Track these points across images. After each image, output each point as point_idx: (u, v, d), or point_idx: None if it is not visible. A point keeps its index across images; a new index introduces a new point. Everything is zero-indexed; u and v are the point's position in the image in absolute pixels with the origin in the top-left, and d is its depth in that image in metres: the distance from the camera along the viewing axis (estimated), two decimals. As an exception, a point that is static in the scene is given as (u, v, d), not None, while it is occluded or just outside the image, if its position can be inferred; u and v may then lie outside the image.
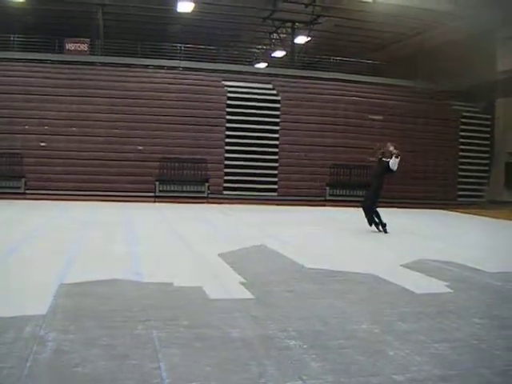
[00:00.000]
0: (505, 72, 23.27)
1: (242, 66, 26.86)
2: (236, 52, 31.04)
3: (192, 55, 26.11)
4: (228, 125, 21.94)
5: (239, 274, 7.10)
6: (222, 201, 20.82)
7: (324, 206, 21.18)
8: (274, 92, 23.28)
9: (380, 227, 12.47)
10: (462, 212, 20.32)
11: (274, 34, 29.31)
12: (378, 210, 12.59)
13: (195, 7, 24.06)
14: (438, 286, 6.92)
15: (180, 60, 25.72)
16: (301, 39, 28.74)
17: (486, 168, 25.08)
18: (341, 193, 22.45)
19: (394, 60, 29.78)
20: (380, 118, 23.65)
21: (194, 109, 21.66)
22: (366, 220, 12.61)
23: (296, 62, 28.36)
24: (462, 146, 24.67)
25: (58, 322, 4.75)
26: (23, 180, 19.54)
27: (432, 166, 23.73)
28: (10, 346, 4.07)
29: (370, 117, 23.55)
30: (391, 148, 12.47)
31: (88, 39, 24.55)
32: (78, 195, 19.19)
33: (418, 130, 23.83)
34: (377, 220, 12.50)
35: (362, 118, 23.47)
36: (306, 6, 25.14)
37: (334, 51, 29.42)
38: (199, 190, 21.26)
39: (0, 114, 19.80)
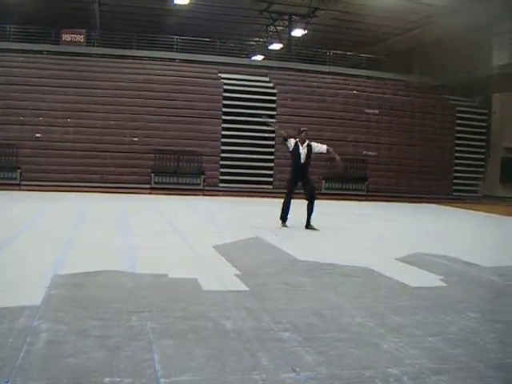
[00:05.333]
0: (501, 66, 23.30)
1: (238, 59, 26.80)
2: (232, 44, 30.98)
3: (188, 47, 26.06)
4: (224, 117, 21.91)
5: (234, 266, 7.09)
6: (217, 193, 20.82)
7: (319, 199, 21.16)
8: (271, 85, 23.24)
9: (285, 221, 11.44)
10: (456, 207, 20.36)
11: (271, 27, 29.25)
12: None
13: (192, -1, 24.01)
14: (432, 280, 6.92)
15: (176, 52, 25.67)
16: (298, 32, 28.74)
17: (482, 163, 25.14)
18: (336, 186, 22.49)
19: (390, 54, 29.80)
20: (376, 111, 23.66)
21: (190, 101, 21.61)
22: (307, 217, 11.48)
23: (293, 55, 28.34)
24: (457, 141, 24.71)
25: (52, 313, 4.73)
26: (18, 171, 19.48)
27: (428, 160, 23.76)
28: (4, 337, 4.06)
29: (366, 111, 23.56)
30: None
31: (84, 30, 24.46)
32: (74, 186, 19.14)
33: (414, 124, 23.86)
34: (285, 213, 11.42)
35: (358, 112, 23.48)
36: (304, -2, 25.08)
37: (330, 44, 29.41)
38: (195, 182, 21.24)
39: (-5, 104, 19.73)
